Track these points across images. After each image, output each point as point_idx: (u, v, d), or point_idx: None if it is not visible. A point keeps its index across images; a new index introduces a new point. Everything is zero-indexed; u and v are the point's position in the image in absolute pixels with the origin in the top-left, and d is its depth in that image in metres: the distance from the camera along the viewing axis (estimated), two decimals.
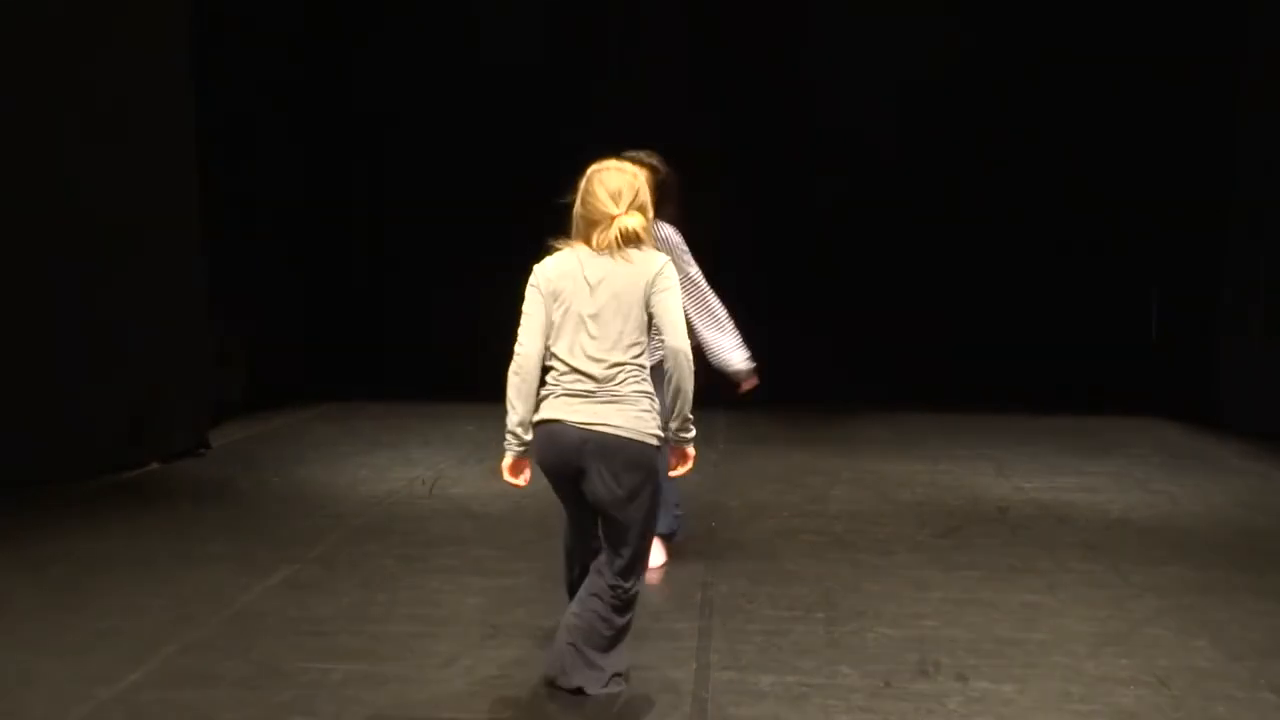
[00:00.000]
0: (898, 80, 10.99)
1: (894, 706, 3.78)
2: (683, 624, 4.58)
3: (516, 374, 3.95)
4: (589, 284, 3.92)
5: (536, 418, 3.97)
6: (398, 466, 7.63)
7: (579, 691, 3.87)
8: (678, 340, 3.89)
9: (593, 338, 3.89)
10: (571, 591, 4.07)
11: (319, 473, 7.45)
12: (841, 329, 10.90)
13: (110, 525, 6.04)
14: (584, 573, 4.04)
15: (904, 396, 10.55)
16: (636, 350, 3.92)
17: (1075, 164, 11.04)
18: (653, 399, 3.92)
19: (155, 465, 7.49)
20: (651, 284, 3.90)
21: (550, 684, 3.93)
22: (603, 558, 3.98)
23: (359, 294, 11.45)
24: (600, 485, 3.88)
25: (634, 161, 4.62)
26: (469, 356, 11.09)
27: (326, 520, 6.18)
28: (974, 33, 10.99)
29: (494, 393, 11.40)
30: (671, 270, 3.95)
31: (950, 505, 6.74)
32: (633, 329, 3.91)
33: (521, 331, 3.97)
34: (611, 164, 4.09)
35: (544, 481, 7.44)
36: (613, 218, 3.92)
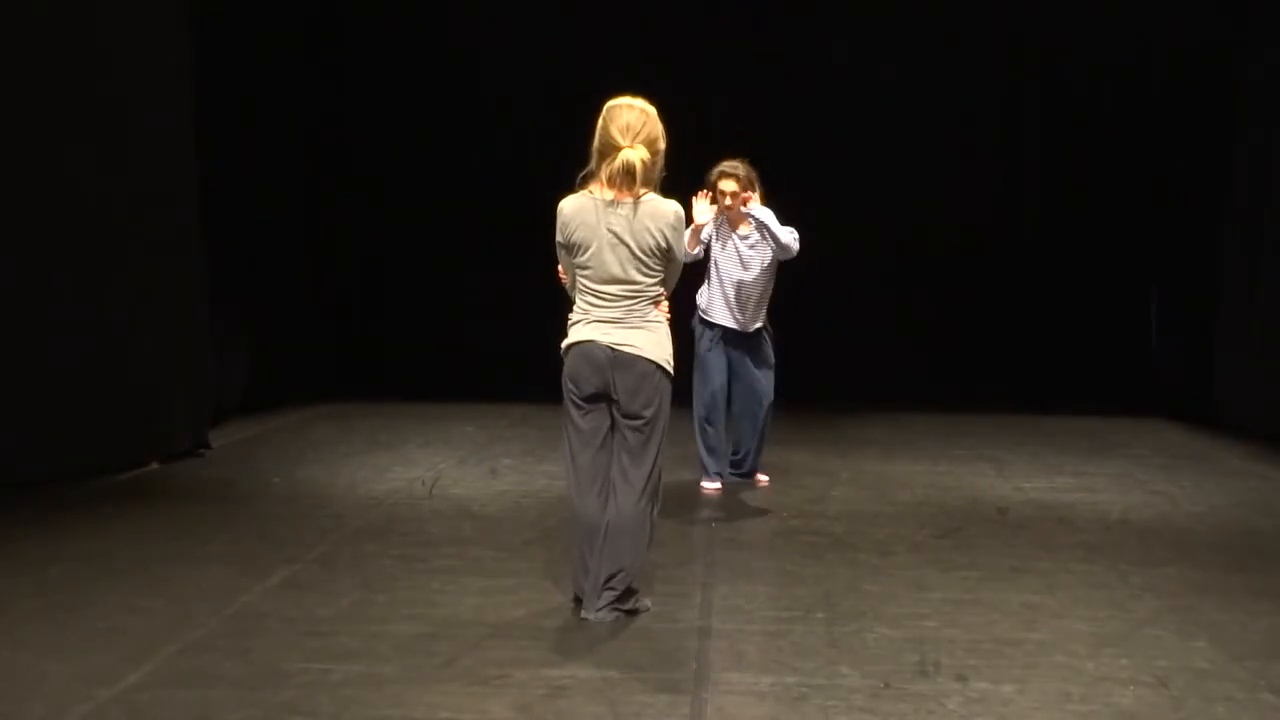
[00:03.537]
0: (896, 80, 10.99)
1: (894, 707, 3.78)
2: (683, 623, 4.58)
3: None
4: (605, 234, 4.44)
5: (569, 340, 4.56)
6: (397, 467, 7.63)
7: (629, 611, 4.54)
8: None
9: (615, 281, 4.47)
10: (581, 515, 4.57)
11: (319, 473, 7.44)
12: (842, 329, 10.90)
13: (110, 525, 6.04)
14: (594, 482, 4.54)
15: (904, 396, 10.56)
16: (654, 284, 4.54)
17: (1075, 164, 11.05)
18: (667, 328, 4.58)
19: (155, 465, 7.48)
20: (665, 235, 4.48)
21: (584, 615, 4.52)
22: (616, 488, 4.53)
23: (359, 294, 11.45)
24: (624, 396, 4.49)
25: (723, 175, 6.49)
26: (468, 357, 11.16)
27: (326, 520, 6.18)
28: (974, 32, 11.00)
29: (492, 393, 11.40)
30: (680, 223, 4.56)
31: (950, 506, 6.74)
32: (649, 270, 4.50)
33: (559, 267, 4.73)
34: (624, 100, 4.55)
35: (543, 482, 7.45)
36: (619, 149, 4.39)
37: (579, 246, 4.50)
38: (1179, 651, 4.33)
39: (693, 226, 6.06)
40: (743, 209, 6.53)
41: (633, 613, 4.58)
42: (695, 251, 6.44)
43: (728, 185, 6.53)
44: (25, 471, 6.79)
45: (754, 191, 6.56)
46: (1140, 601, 4.94)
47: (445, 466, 7.66)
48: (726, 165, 6.55)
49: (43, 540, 5.70)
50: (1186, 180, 10.16)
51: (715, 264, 6.80)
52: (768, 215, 6.49)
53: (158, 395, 7.61)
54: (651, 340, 4.52)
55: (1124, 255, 10.95)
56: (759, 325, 6.88)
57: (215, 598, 4.80)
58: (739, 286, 6.76)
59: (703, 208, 6.18)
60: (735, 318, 6.80)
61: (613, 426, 4.57)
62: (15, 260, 6.88)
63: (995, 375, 11.11)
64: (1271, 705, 3.84)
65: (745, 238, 6.73)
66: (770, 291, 6.86)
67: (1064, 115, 11.08)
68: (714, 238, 6.77)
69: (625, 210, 4.45)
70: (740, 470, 7.16)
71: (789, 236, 6.51)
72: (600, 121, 4.49)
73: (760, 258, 6.73)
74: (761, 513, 6.51)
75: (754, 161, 6.68)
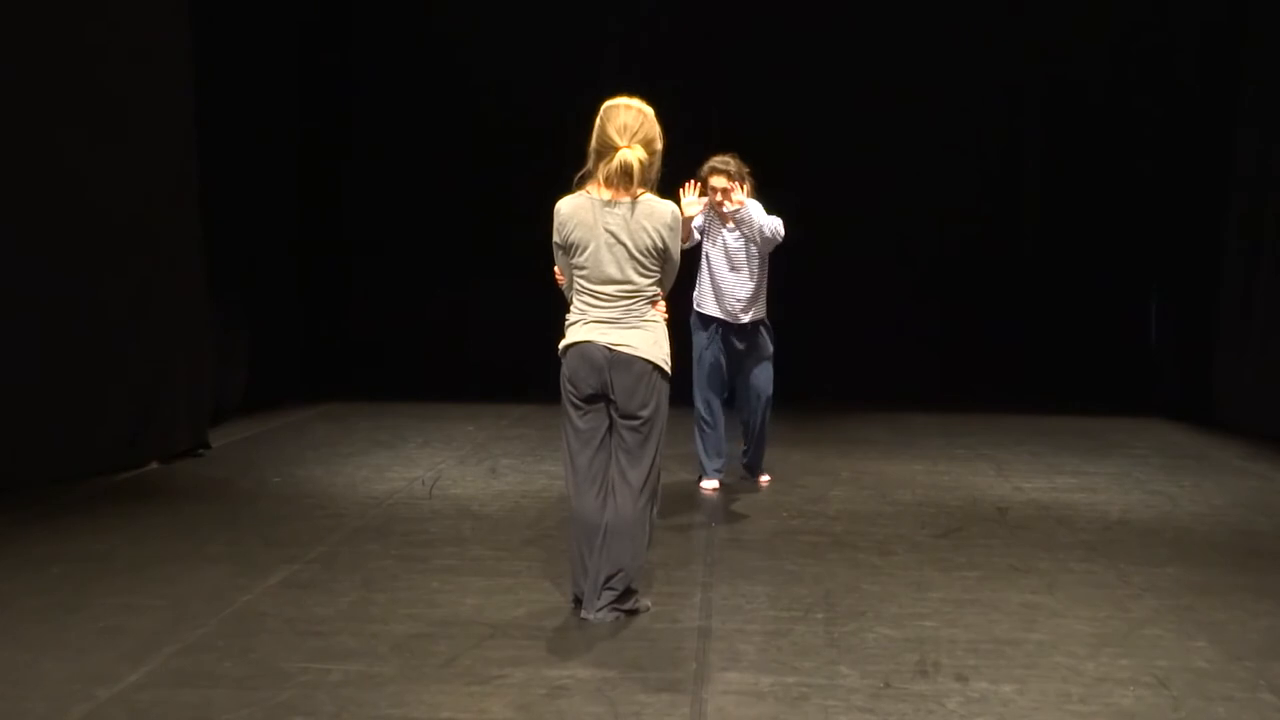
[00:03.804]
0: (897, 78, 10.99)
1: (894, 707, 3.78)
2: (683, 624, 4.58)
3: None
4: (602, 234, 4.45)
5: (566, 341, 4.56)
6: (397, 466, 7.63)
7: (630, 612, 4.56)
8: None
9: (612, 281, 4.48)
10: (582, 513, 4.56)
11: (319, 473, 7.45)
12: (842, 328, 10.90)
13: (110, 525, 6.04)
14: (593, 483, 4.54)
15: (904, 396, 10.56)
16: (651, 285, 4.54)
17: (1075, 164, 11.05)
18: (664, 328, 4.58)
19: (155, 465, 7.49)
20: (662, 235, 4.50)
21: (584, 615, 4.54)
22: (614, 489, 4.53)
23: (358, 294, 11.45)
24: (621, 396, 4.49)
25: (713, 171, 6.44)
26: (468, 357, 11.15)
27: (326, 520, 6.18)
28: (975, 32, 11.00)
29: (492, 393, 11.37)
30: (677, 224, 4.56)
31: (950, 505, 6.74)
32: (646, 270, 4.50)
33: (556, 268, 4.70)
34: (621, 101, 4.56)
35: (543, 482, 7.45)
36: (616, 149, 4.41)
37: (576, 247, 4.50)
38: (1179, 651, 4.33)
39: (682, 219, 6.09)
40: (727, 208, 6.52)
41: (632, 613, 4.58)
42: (687, 243, 6.45)
43: (718, 181, 6.53)
44: (25, 471, 6.80)
45: (745, 185, 6.58)
46: (1140, 601, 4.94)
47: (445, 466, 7.66)
48: (717, 160, 6.55)
49: (43, 540, 5.70)
50: (1186, 180, 10.15)
51: (707, 258, 6.83)
52: (754, 206, 6.53)
53: (158, 395, 7.61)
54: (648, 340, 4.52)
55: (1124, 255, 10.95)
56: (756, 319, 6.88)
57: (215, 598, 4.80)
58: (731, 279, 6.77)
59: (690, 199, 6.18)
60: (729, 310, 6.80)
61: (611, 427, 4.57)
62: (15, 260, 6.88)
63: (995, 375, 11.11)
64: (1271, 705, 3.85)
65: (734, 230, 6.75)
66: (765, 282, 6.86)
67: (1065, 115, 11.08)
68: (705, 233, 6.79)
69: (622, 210, 4.45)
70: (745, 463, 7.26)
71: (771, 228, 6.54)
72: (597, 122, 4.49)
73: (750, 249, 6.74)
74: (761, 513, 6.51)
75: (753, 160, 6.70)
